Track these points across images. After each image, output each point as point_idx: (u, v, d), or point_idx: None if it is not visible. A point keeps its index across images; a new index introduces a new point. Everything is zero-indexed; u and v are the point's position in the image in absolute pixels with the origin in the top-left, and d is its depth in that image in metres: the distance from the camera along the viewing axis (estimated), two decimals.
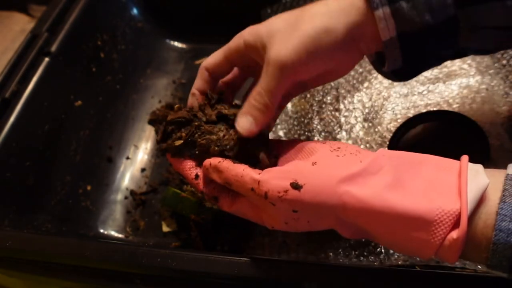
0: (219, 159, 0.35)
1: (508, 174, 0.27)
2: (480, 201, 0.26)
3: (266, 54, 0.33)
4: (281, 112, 0.40)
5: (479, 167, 0.28)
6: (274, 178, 0.31)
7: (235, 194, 0.36)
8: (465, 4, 0.32)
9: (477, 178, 0.27)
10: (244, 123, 0.35)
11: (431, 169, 0.29)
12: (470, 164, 0.28)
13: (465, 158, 0.29)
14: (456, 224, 0.26)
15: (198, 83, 0.40)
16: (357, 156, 0.31)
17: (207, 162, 0.36)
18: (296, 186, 0.30)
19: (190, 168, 0.38)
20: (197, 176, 0.38)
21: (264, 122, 0.36)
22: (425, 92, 0.52)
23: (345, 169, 0.29)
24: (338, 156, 0.31)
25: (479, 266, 0.39)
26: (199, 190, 0.38)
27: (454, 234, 0.26)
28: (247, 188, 0.32)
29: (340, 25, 0.33)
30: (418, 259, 0.42)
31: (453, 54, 0.38)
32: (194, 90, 0.40)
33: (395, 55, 0.35)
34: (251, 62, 0.37)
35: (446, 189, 0.27)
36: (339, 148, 0.32)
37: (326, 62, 0.34)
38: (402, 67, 0.36)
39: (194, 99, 0.40)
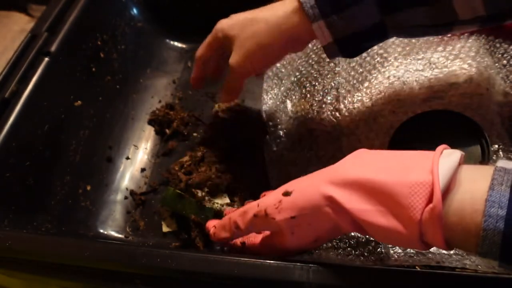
0: (216, 221, 0.43)
1: (497, 166, 0.28)
2: (467, 187, 0.27)
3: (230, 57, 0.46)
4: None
5: (456, 150, 0.30)
6: (269, 197, 0.36)
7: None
8: (389, 11, 0.39)
9: (451, 155, 0.29)
10: (222, 99, 0.52)
11: (409, 157, 0.31)
12: (448, 149, 0.30)
13: (442, 145, 0.31)
14: (432, 198, 0.27)
15: (196, 70, 0.53)
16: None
17: (210, 228, 0.43)
18: (286, 193, 0.35)
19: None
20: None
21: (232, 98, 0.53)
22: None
23: (326, 171, 0.34)
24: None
25: (471, 260, 0.39)
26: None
27: (431, 205, 0.27)
28: (251, 217, 0.37)
29: (278, 41, 0.43)
30: (417, 258, 0.42)
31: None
32: (193, 75, 0.54)
33: (335, 52, 0.43)
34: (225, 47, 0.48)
35: (420, 169, 0.29)
36: None
37: (269, 64, 0.49)
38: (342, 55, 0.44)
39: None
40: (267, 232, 0.40)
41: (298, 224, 0.34)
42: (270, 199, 0.36)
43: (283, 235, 0.36)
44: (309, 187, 0.34)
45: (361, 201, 0.30)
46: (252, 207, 0.37)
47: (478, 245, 0.26)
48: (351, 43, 0.42)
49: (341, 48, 0.42)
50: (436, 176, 0.27)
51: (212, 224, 0.44)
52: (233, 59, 0.46)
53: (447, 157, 0.29)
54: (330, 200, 0.32)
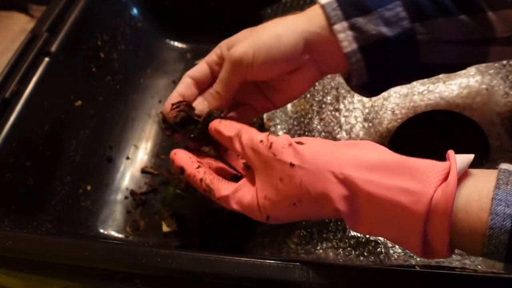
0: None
1: (501, 168, 0.28)
2: (473, 185, 0.27)
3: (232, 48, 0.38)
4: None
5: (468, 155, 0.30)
6: (282, 136, 0.34)
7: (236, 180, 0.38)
8: (419, 18, 0.36)
9: (463, 156, 0.29)
10: (199, 105, 0.41)
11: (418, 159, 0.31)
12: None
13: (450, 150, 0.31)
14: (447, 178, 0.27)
15: (181, 87, 0.42)
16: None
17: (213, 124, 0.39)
18: (299, 142, 0.33)
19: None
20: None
21: (217, 107, 0.41)
22: (425, 92, 0.52)
23: (343, 143, 0.33)
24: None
25: (471, 260, 0.39)
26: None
27: (446, 181, 0.27)
28: (257, 140, 0.35)
29: (293, 34, 0.37)
30: (418, 259, 0.42)
31: (421, 71, 0.40)
32: (175, 93, 0.42)
33: (360, 68, 0.38)
34: None
35: (435, 162, 0.29)
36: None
37: (274, 66, 0.38)
38: (369, 81, 0.39)
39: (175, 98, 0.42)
40: (240, 185, 0.37)
41: (292, 175, 0.32)
42: (280, 138, 0.34)
43: (269, 179, 0.33)
44: (324, 149, 0.32)
45: (367, 172, 0.29)
46: (261, 134, 0.35)
47: (484, 245, 0.26)
48: (377, 55, 0.37)
49: (366, 59, 0.37)
50: (453, 161, 0.28)
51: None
52: (234, 49, 0.38)
53: (461, 156, 0.29)
54: (335, 174, 0.30)
